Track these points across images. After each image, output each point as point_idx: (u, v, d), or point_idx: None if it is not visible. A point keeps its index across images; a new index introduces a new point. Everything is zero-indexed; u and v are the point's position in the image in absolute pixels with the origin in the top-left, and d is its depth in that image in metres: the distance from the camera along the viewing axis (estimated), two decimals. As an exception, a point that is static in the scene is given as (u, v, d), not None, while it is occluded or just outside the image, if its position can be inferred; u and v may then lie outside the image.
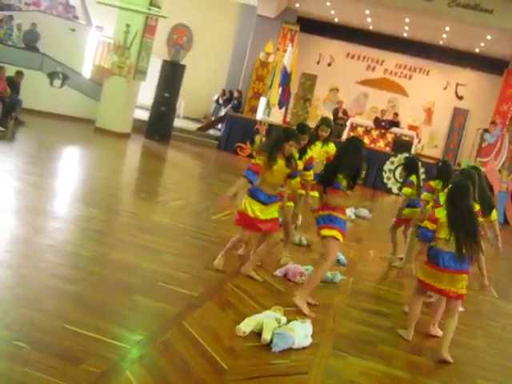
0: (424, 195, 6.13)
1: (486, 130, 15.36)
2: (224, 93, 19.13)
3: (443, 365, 4.04)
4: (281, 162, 4.75)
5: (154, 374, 2.98)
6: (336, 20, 19.28)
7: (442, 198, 4.70)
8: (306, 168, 5.47)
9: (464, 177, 4.58)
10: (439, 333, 4.53)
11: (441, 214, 4.19)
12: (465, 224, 4.06)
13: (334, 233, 4.46)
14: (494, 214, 5.48)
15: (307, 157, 5.53)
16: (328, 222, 4.51)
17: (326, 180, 4.57)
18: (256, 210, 4.76)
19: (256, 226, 4.83)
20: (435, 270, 4.12)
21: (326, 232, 4.48)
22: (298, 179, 5.07)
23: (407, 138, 16.31)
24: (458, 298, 4.16)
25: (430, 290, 4.43)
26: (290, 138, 4.76)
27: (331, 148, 6.06)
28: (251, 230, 5.00)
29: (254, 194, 4.81)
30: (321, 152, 6.02)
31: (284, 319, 3.91)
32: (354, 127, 16.70)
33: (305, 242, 6.63)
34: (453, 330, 4.15)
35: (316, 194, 5.83)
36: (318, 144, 6.03)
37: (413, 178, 6.52)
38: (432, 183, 6.08)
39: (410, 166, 6.76)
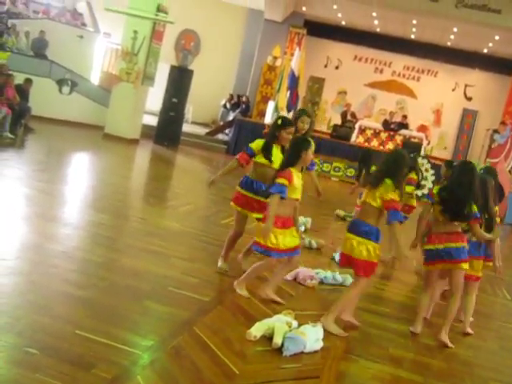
0: None
1: (495, 131, 15.28)
2: (231, 97, 19.17)
3: (456, 367, 4.02)
4: None
5: (165, 378, 2.97)
6: (343, 23, 19.30)
7: None
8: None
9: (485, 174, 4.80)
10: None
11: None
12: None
13: (463, 266, 4.30)
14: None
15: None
16: (455, 255, 4.28)
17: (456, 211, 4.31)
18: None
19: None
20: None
21: (458, 267, 4.29)
22: None
23: (416, 140, 16.28)
24: (469, 280, 4.53)
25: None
26: (408, 163, 4.40)
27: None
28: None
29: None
30: None
31: (295, 323, 3.89)
32: (362, 130, 16.71)
33: (315, 245, 6.57)
34: (471, 306, 4.68)
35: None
36: None
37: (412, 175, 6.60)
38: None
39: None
